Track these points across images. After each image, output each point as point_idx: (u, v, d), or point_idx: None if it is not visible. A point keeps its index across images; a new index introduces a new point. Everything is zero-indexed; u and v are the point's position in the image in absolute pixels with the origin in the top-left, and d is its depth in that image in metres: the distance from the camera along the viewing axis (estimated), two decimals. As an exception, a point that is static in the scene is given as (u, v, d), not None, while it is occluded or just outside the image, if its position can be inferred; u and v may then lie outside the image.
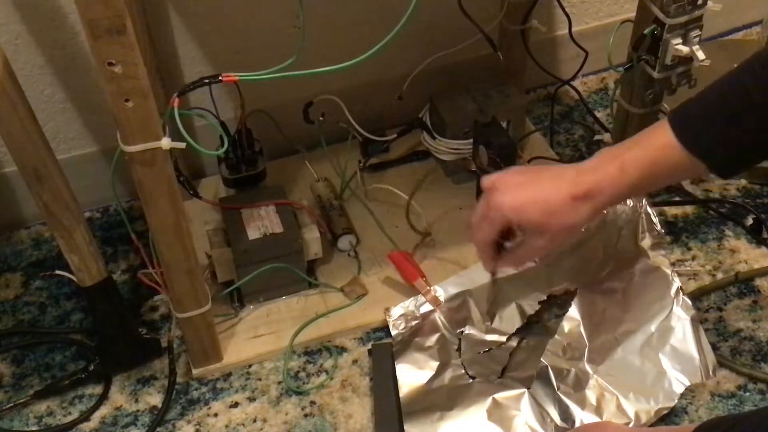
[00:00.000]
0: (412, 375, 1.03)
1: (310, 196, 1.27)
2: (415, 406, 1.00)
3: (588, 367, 1.01)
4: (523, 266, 1.06)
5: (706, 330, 1.10)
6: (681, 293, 1.06)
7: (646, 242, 1.12)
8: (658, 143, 0.82)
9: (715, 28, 1.55)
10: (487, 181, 0.92)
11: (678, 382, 1.00)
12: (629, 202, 1.13)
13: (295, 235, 1.11)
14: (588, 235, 1.14)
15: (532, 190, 0.88)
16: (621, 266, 1.10)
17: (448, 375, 1.03)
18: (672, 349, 1.02)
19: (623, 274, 1.10)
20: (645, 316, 1.05)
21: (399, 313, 1.11)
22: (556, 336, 1.04)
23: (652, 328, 1.04)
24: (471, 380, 1.02)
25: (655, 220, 1.13)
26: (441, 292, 1.12)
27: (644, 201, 1.14)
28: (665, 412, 0.98)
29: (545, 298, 1.10)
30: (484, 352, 1.06)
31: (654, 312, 1.05)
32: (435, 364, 1.04)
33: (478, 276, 1.14)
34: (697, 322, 1.04)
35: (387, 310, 1.11)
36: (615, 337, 1.04)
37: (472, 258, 1.17)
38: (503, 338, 1.07)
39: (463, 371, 1.03)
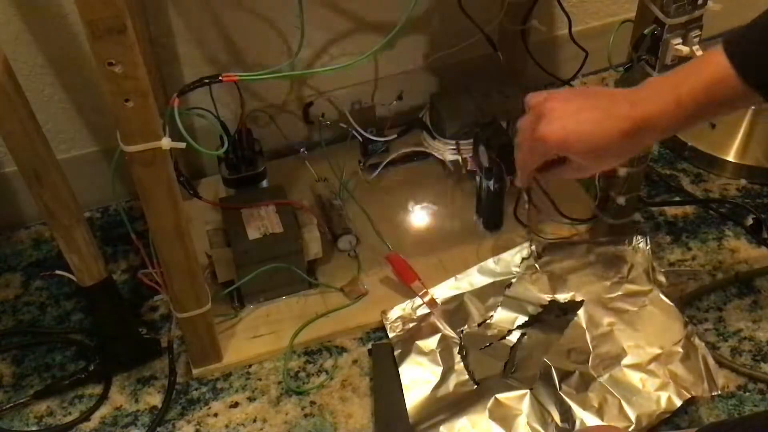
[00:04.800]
0: (417, 383, 1.03)
1: (310, 196, 1.27)
2: (421, 416, 1.00)
3: (592, 371, 1.01)
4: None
5: (706, 330, 1.10)
6: (691, 325, 1.06)
7: (660, 279, 1.12)
8: (715, 74, 0.78)
9: (715, 28, 1.54)
10: (534, 99, 0.86)
11: (682, 390, 1.00)
12: (639, 245, 1.14)
13: (295, 235, 1.11)
14: (599, 254, 1.14)
15: (580, 122, 0.82)
16: (633, 293, 1.10)
17: (452, 382, 1.03)
18: (678, 367, 1.02)
19: (635, 300, 1.09)
20: (655, 338, 1.04)
21: (396, 315, 1.11)
22: (561, 341, 1.04)
23: (661, 349, 1.03)
24: (476, 386, 1.02)
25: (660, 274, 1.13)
26: (438, 295, 1.12)
27: (648, 251, 1.14)
28: (667, 416, 0.98)
29: (549, 301, 1.10)
30: (486, 347, 1.06)
31: (664, 337, 1.04)
32: (439, 370, 1.04)
33: (475, 279, 1.14)
34: (706, 350, 1.03)
35: (384, 312, 1.11)
36: (622, 348, 1.04)
37: (471, 260, 1.17)
38: (504, 332, 1.07)
39: (466, 376, 1.03)
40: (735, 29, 0.79)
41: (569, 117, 0.83)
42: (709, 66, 0.79)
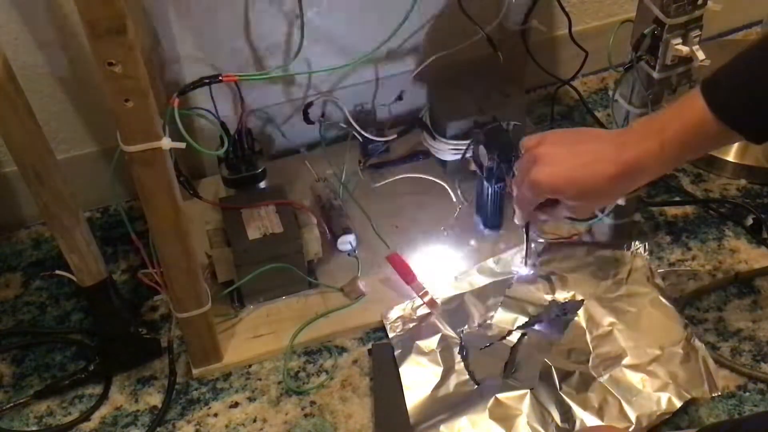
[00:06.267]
0: (417, 383, 1.03)
1: (310, 196, 1.27)
2: (421, 416, 1.00)
3: (592, 371, 1.01)
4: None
5: (706, 330, 1.10)
6: (690, 327, 1.06)
7: (659, 283, 1.12)
8: (695, 118, 0.81)
9: (715, 28, 1.55)
10: (529, 142, 0.91)
11: (682, 391, 1.00)
12: (638, 251, 1.15)
13: (295, 235, 1.11)
14: (599, 257, 1.15)
15: (571, 166, 0.87)
16: (632, 294, 1.10)
17: (452, 382, 1.03)
18: (678, 368, 1.02)
19: (634, 301, 1.09)
20: (655, 340, 1.04)
21: (396, 315, 1.11)
22: (561, 341, 1.04)
23: (661, 350, 1.03)
24: (476, 386, 1.02)
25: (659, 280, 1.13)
26: (438, 295, 1.12)
27: (647, 257, 1.14)
28: (667, 416, 0.98)
29: (549, 301, 1.10)
30: (486, 347, 1.06)
31: (664, 338, 1.04)
32: (439, 371, 1.04)
33: (475, 279, 1.14)
34: (706, 352, 1.03)
35: (384, 312, 1.11)
36: (622, 348, 1.04)
37: (471, 260, 1.17)
38: (504, 332, 1.07)
39: (467, 377, 1.03)
40: (714, 73, 0.82)
41: (560, 163, 0.88)
42: (688, 110, 0.82)
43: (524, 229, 1.07)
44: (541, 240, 1.18)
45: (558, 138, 0.93)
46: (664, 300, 1.09)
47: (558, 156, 0.89)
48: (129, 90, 0.78)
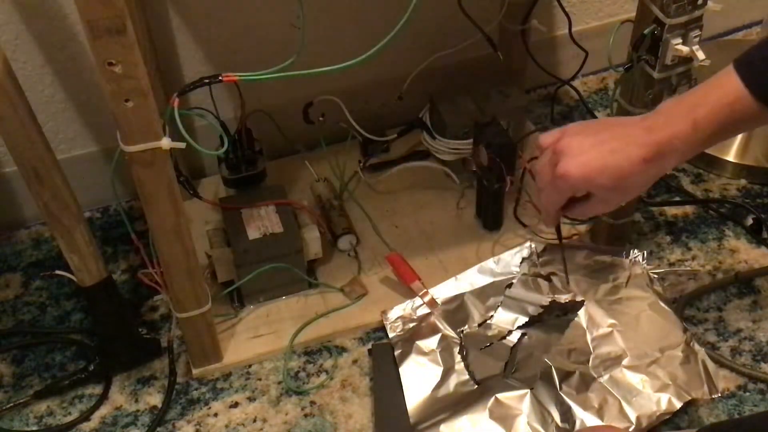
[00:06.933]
0: (418, 383, 1.03)
1: (310, 196, 1.27)
2: (421, 416, 1.00)
3: (592, 371, 1.01)
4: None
5: (706, 330, 1.10)
6: (690, 331, 1.06)
7: (658, 288, 1.12)
8: (729, 96, 0.78)
9: (715, 28, 1.55)
10: (548, 139, 0.87)
11: (682, 392, 1.00)
12: (636, 258, 1.14)
13: (295, 235, 1.11)
14: (598, 261, 1.15)
15: (600, 154, 0.82)
16: (631, 297, 1.10)
17: (452, 382, 1.03)
18: (678, 369, 1.02)
19: (634, 304, 1.09)
20: (654, 341, 1.04)
21: (396, 315, 1.11)
22: (561, 341, 1.04)
23: (661, 352, 1.03)
24: (476, 386, 1.02)
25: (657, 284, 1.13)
26: (438, 295, 1.12)
27: (645, 264, 1.14)
28: (667, 416, 0.98)
29: (549, 301, 1.10)
30: (486, 347, 1.06)
31: (664, 340, 1.04)
32: (439, 371, 1.04)
33: (475, 279, 1.14)
34: (705, 355, 1.03)
35: (384, 312, 1.11)
36: (623, 349, 1.04)
37: (471, 260, 1.17)
38: (504, 332, 1.07)
39: (467, 377, 1.03)
40: (747, 51, 0.80)
41: (589, 151, 0.83)
42: (721, 88, 0.79)
43: (556, 231, 1.04)
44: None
45: (580, 129, 0.88)
46: (663, 304, 1.09)
47: (584, 145, 0.83)
48: (129, 90, 0.78)
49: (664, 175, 0.95)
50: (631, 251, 1.14)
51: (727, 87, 0.79)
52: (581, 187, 0.85)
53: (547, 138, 0.87)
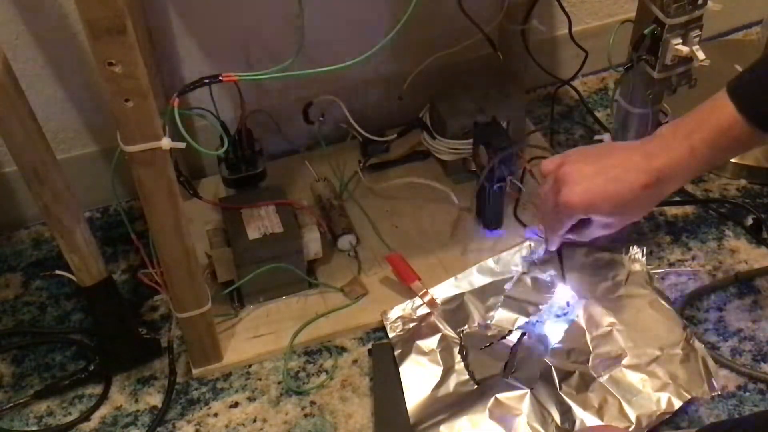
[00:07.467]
0: (417, 383, 1.03)
1: (310, 196, 1.27)
2: (421, 416, 0.99)
3: (592, 371, 1.01)
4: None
5: (706, 330, 1.10)
6: (690, 329, 1.06)
7: (658, 286, 1.12)
8: (724, 122, 0.80)
9: (715, 28, 1.55)
10: (549, 166, 0.88)
11: (682, 391, 1.00)
12: (636, 256, 1.15)
13: (295, 235, 1.11)
14: (598, 258, 1.15)
15: (601, 182, 0.84)
16: (631, 296, 1.10)
17: (452, 382, 1.03)
18: (678, 368, 1.02)
19: (633, 302, 1.09)
20: (654, 340, 1.04)
21: (396, 315, 1.11)
22: (561, 341, 1.04)
23: (661, 351, 1.03)
24: (476, 386, 1.02)
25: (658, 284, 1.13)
26: (438, 295, 1.12)
27: (644, 261, 1.14)
28: (667, 416, 0.98)
29: (549, 300, 1.10)
30: (486, 347, 1.06)
31: (664, 339, 1.05)
32: (439, 371, 1.04)
33: (475, 279, 1.14)
34: (706, 353, 1.03)
35: (384, 312, 1.11)
36: (622, 348, 1.04)
37: (471, 260, 1.17)
38: (504, 332, 1.07)
39: (467, 377, 1.03)
40: (739, 75, 0.81)
41: (590, 179, 0.85)
42: (716, 113, 0.81)
43: (558, 254, 1.06)
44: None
45: (580, 156, 0.90)
46: (663, 302, 1.09)
47: (585, 173, 0.85)
48: (129, 90, 0.78)
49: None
50: (631, 248, 1.15)
51: (721, 113, 0.80)
52: (584, 213, 0.87)
53: (548, 165, 0.90)
